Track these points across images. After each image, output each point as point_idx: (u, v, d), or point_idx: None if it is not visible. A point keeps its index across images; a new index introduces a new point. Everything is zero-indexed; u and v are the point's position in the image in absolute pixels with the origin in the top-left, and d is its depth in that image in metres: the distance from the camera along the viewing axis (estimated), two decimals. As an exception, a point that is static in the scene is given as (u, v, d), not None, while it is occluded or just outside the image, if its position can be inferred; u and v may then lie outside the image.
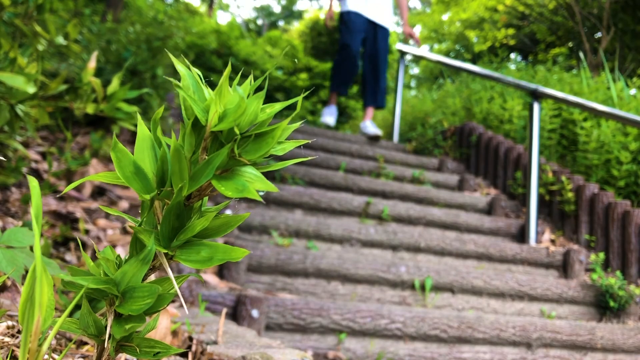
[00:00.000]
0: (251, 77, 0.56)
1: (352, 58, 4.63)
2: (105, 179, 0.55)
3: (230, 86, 0.55)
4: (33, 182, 0.50)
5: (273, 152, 0.54)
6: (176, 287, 0.54)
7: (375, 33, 4.73)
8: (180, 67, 0.54)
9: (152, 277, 0.65)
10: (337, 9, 4.88)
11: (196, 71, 0.56)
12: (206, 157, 0.54)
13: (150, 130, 0.57)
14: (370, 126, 4.67)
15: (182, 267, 2.00)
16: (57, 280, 1.08)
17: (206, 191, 0.55)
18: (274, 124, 0.54)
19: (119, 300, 0.54)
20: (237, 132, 0.52)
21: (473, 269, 2.87)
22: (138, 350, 0.56)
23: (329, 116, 4.84)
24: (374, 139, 4.63)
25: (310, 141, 0.56)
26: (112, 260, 0.56)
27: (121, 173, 0.54)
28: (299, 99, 0.54)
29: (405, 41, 5.27)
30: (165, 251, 0.54)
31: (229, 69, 0.51)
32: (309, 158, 0.57)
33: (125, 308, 0.53)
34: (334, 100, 4.91)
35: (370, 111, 4.80)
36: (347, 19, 4.64)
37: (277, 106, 0.55)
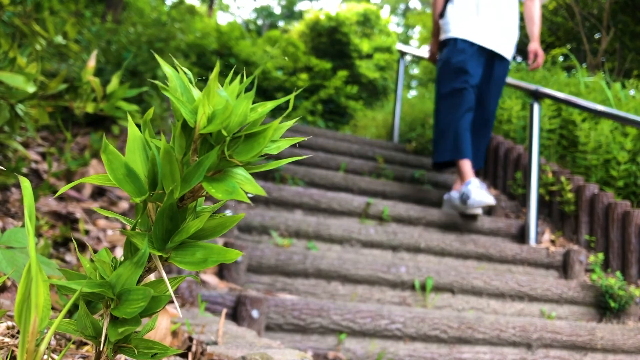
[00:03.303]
0: (239, 76, 0.55)
1: (471, 104, 3.24)
2: (97, 182, 0.53)
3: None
4: (25, 182, 0.50)
5: (267, 151, 0.53)
6: (170, 290, 0.54)
7: (492, 68, 3.31)
8: (167, 69, 0.53)
9: (152, 277, 0.65)
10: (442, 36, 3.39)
11: (186, 71, 0.55)
12: (197, 158, 0.53)
13: (141, 131, 0.56)
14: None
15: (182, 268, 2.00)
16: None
17: (199, 192, 0.54)
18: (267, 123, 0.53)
19: (114, 302, 0.53)
20: (225, 134, 0.51)
21: (473, 269, 2.87)
22: (136, 352, 0.56)
23: (481, 190, 3.05)
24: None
25: (305, 139, 0.56)
26: (108, 262, 0.55)
27: (113, 175, 0.53)
28: (292, 96, 0.53)
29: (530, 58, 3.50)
30: (160, 254, 0.54)
31: (217, 68, 0.51)
32: (305, 157, 0.56)
33: (120, 311, 0.53)
34: (470, 171, 3.15)
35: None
36: (454, 51, 3.23)
37: (269, 105, 0.54)
